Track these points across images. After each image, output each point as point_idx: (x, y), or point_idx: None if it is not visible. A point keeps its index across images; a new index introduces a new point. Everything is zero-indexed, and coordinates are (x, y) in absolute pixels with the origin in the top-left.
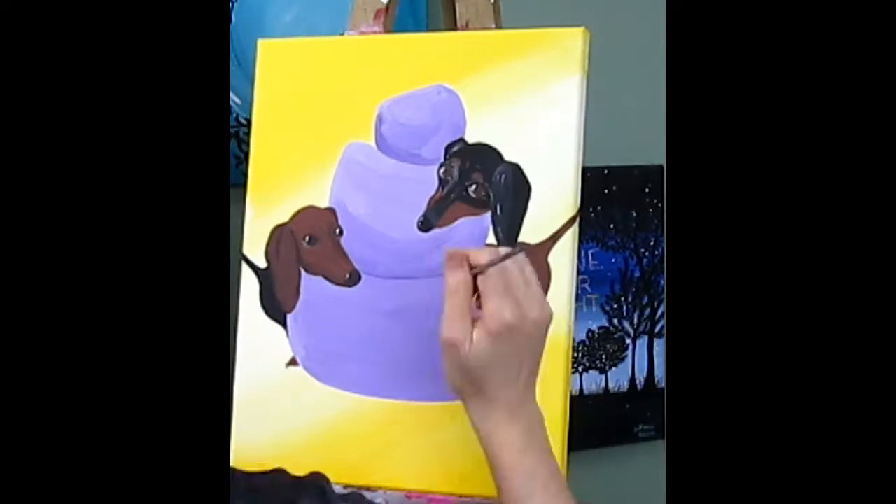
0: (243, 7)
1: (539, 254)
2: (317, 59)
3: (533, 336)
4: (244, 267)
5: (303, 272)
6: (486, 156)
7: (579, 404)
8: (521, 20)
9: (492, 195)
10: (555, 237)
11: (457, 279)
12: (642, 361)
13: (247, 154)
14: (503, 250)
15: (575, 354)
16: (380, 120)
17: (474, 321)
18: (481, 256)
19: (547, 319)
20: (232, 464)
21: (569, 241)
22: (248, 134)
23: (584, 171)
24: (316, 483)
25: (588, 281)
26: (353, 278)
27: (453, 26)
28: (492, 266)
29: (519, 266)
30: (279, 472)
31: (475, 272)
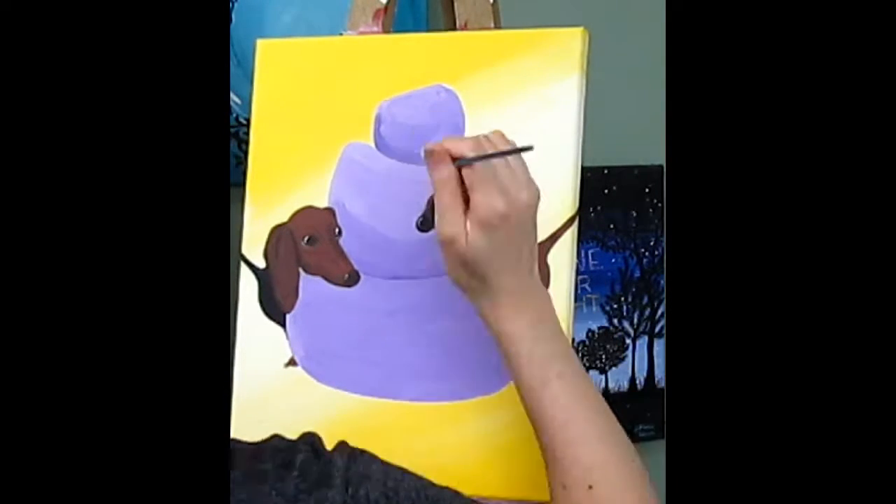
0: (243, 7)
1: (538, 254)
2: (316, 59)
3: (525, 220)
4: (243, 267)
5: (302, 272)
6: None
7: None
8: (521, 20)
9: None
10: (554, 237)
11: (442, 174)
12: (642, 361)
13: (246, 154)
14: (484, 140)
15: None
16: (379, 120)
17: (466, 213)
18: (462, 146)
19: (535, 201)
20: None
21: (568, 241)
22: (247, 134)
23: (584, 171)
24: (307, 441)
25: (588, 281)
26: (353, 278)
27: (452, 26)
28: (477, 160)
29: (499, 150)
30: (274, 437)
31: (459, 164)
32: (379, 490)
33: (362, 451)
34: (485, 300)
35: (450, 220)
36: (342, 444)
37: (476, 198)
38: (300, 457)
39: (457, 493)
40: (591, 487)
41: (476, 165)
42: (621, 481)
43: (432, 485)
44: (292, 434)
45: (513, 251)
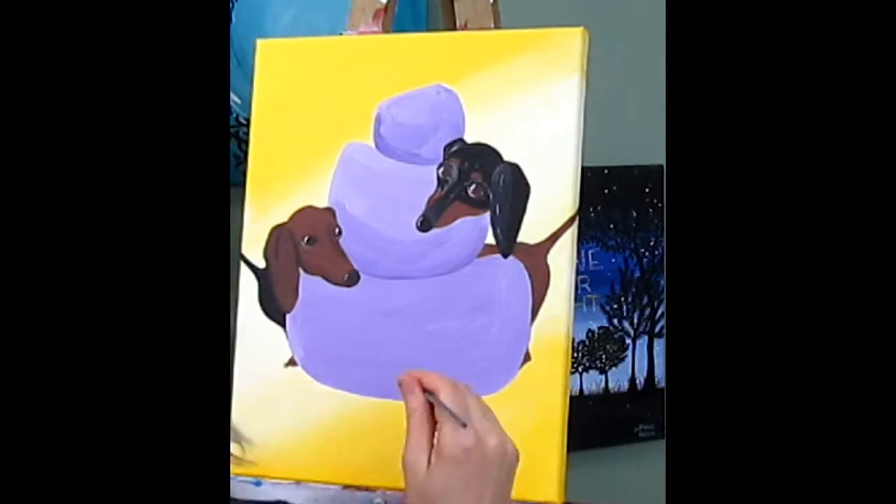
0: (243, 7)
1: (539, 254)
2: (316, 59)
3: (491, 463)
4: (243, 267)
5: (302, 272)
6: (485, 156)
7: (579, 404)
8: (521, 20)
9: (491, 195)
10: (554, 237)
11: (412, 403)
12: (642, 361)
13: (246, 154)
14: (462, 388)
15: (575, 354)
16: (379, 120)
17: (432, 446)
18: (436, 382)
19: (507, 449)
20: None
21: (568, 241)
22: (247, 134)
23: (584, 171)
24: None
25: (588, 281)
26: (352, 278)
27: (452, 26)
28: (436, 402)
29: (474, 396)
30: None
31: (427, 398)
32: None
33: None
34: None
35: (413, 448)
36: None
37: (443, 430)
38: None
39: None
40: None
41: (448, 402)
42: None
43: None
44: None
45: (472, 492)
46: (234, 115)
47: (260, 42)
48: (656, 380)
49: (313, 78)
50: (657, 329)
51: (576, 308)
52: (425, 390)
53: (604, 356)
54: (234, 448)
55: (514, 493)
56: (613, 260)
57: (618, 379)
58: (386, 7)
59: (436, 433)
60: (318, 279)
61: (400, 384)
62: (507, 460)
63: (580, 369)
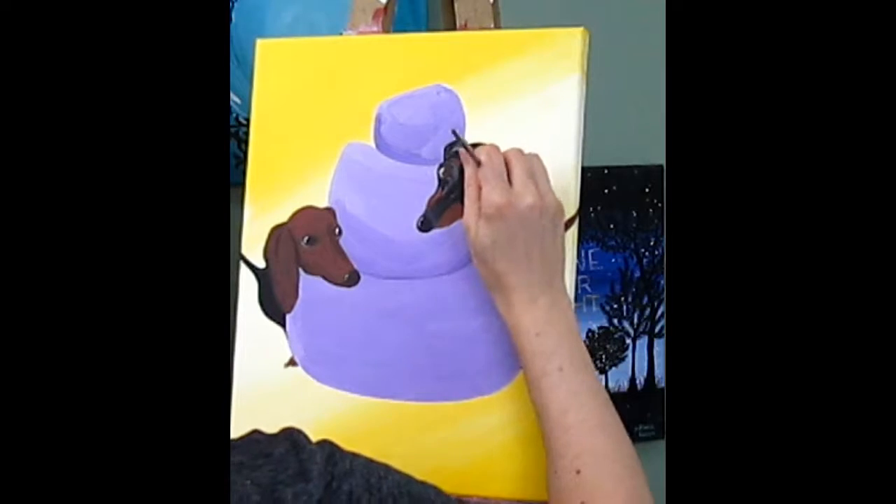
0: (243, 7)
1: None
2: (316, 59)
3: (529, 219)
4: (243, 267)
5: (301, 272)
6: None
7: None
8: (521, 20)
9: None
10: None
11: (468, 172)
12: (642, 361)
13: (246, 154)
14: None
15: None
16: (379, 120)
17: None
18: (480, 150)
19: (544, 206)
20: None
21: (568, 241)
22: (247, 134)
23: (584, 171)
24: (288, 436)
25: (588, 281)
26: (353, 278)
27: (452, 26)
28: (475, 156)
29: (524, 160)
30: (254, 432)
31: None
32: (362, 486)
33: (343, 449)
34: (497, 293)
35: (467, 211)
36: (325, 441)
37: (482, 193)
38: (279, 449)
39: (439, 491)
40: (578, 472)
41: (485, 164)
42: (611, 470)
43: (415, 481)
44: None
45: (518, 248)
46: (234, 115)
47: (260, 42)
48: (656, 380)
49: (313, 78)
50: (657, 329)
51: (576, 308)
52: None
53: (604, 356)
54: None
55: (513, 493)
56: (613, 260)
57: (618, 379)
58: (386, 7)
59: None
60: (318, 279)
61: (462, 157)
62: (548, 213)
63: None
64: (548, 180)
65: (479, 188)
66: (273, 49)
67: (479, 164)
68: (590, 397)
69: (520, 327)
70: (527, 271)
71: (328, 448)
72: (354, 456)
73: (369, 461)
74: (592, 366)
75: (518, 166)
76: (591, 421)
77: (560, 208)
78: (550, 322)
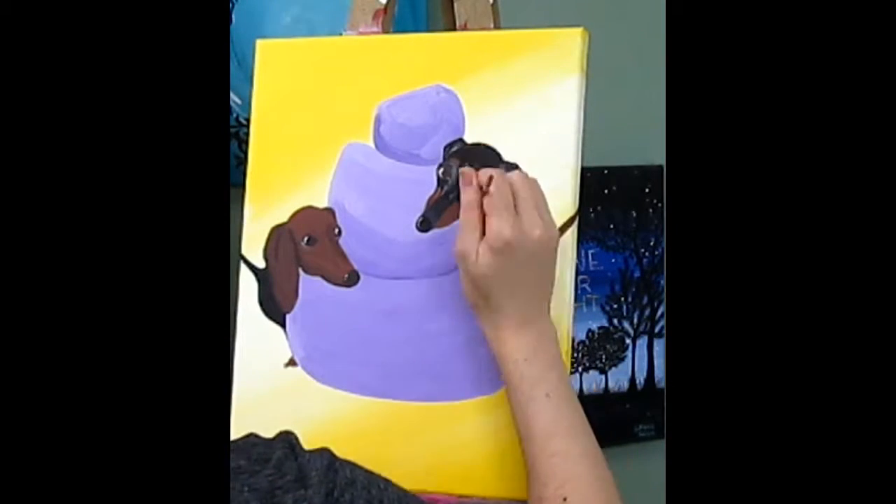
0: (243, 7)
1: None
2: (316, 59)
3: (536, 254)
4: (243, 267)
5: (301, 272)
6: (484, 156)
7: None
8: (521, 20)
9: None
10: None
11: (468, 197)
12: (642, 361)
13: (246, 154)
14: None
15: (575, 354)
16: (378, 120)
17: (483, 236)
18: (486, 175)
19: (549, 238)
20: None
21: (568, 241)
22: (247, 134)
23: (584, 171)
24: (285, 440)
25: (588, 281)
26: (352, 278)
27: (452, 26)
28: (490, 184)
29: (528, 188)
30: (250, 436)
31: (483, 193)
32: (363, 497)
33: (343, 459)
34: (487, 320)
35: (465, 238)
36: (323, 449)
37: (490, 222)
38: (277, 454)
39: None
40: (565, 500)
41: (494, 194)
42: (597, 498)
43: (414, 497)
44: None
45: (518, 280)
46: (234, 115)
47: (260, 42)
48: (656, 380)
49: (313, 78)
50: (657, 329)
51: (576, 308)
52: (480, 186)
53: (604, 356)
54: None
55: (513, 494)
56: (613, 260)
57: (618, 379)
58: (386, 7)
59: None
60: (318, 279)
61: (462, 176)
62: (552, 244)
63: (580, 369)
64: (548, 208)
65: (481, 215)
66: (273, 49)
67: (483, 192)
68: (575, 425)
69: (507, 353)
70: (521, 299)
71: (327, 456)
72: (354, 466)
73: (369, 472)
74: (576, 396)
75: (525, 195)
76: (576, 448)
77: (558, 237)
78: (539, 349)
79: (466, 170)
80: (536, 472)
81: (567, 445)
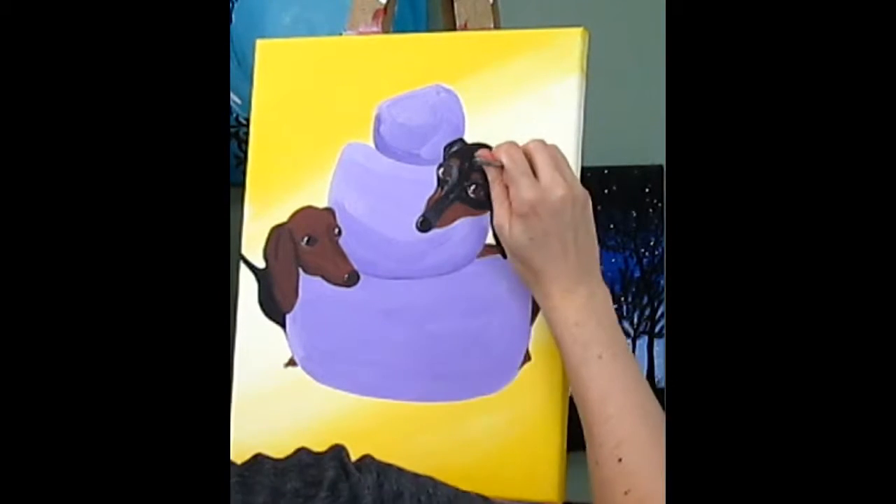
0: (243, 7)
1: None
2: (315, 59)
3: (561, 212)
4: (243, 267)
5: (301, 272)
6: None
7: None
8: (520, 20)
9: None
10: None
11: (492, 174)
12: (642, 361)
13: (246, 154)
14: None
15: None
16: (378, 120)
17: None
18: (499, 150)
19: (573, 197)
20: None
21: None
22: (247, 134)
23: (584, 171)
24: (335, 456)
25: None
26: (352, 278)
27: (452, 26)
28: (495, 160)
29: (544, 151)
30: (300, 451)
31: (490, 165)
32: None
33: (388, 465)
34: (535, 287)
35: (497, 214)
36: (369, 460)
37: (511, 192)
38: (329, 474)
39: (486, 499)
40: (620, 461)
41: (508, 164)
42: (653, 458)
43: (463, 493)
44: (319, 446)
45: (554, 242)
46: (234, 115)
47: (260, 42)
48: (656, 380)
49: (313, 78)
50: (657, 329)
51: None
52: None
53: None
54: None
55: (514, 494)
56: (613, 260)
57: None
58: (385, 7)
59: None
60: (318, 279)
61: (482, 155)
62: (579, 203)
63: None
64: (570, 169)
65: (506, 187)
66: (273, 49)
67: (501, 166)
68: (630, 384)
69: (558, 317)
70: (564, 263)
71: (374, 469)
72: (400, 472)
73: (416, 477)
74: (632, 354)
75: (542, 159)
76: (632, 408)
77: (588, 196)
78: (589, 311)
79: (484, 151)
80: (592, 434)
81: (621, 406)
